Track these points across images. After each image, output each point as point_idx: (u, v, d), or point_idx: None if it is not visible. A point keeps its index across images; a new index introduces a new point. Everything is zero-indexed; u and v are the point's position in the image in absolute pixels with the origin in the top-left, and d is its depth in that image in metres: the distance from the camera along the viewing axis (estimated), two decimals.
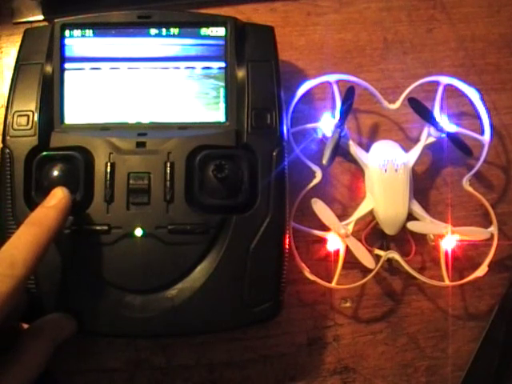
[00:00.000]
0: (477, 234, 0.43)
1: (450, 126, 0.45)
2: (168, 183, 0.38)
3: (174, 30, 0.42)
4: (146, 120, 0.41)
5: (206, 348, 0.43)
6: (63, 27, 0.41)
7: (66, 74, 0.41)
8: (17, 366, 0.33)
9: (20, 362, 0.34)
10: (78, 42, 0.42)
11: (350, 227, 0.43)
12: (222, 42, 0.42)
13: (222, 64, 0.41)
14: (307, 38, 0.49)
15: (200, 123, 0.41)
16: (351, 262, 0.43)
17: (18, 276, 0.31)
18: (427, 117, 0.44)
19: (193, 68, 0.42)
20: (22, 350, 0.34)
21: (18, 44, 0.42)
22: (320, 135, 0.45)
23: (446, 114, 0.45)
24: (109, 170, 0.38)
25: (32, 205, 0.37)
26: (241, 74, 0.41)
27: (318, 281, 0.42)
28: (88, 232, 0.38)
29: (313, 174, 0.44)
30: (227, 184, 0.38)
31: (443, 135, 0.44)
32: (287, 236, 0.40)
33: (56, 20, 0.42)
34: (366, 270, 0.42)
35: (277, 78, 0.41)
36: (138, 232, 0.38)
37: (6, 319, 0.31)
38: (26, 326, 0.37)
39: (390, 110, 0.46)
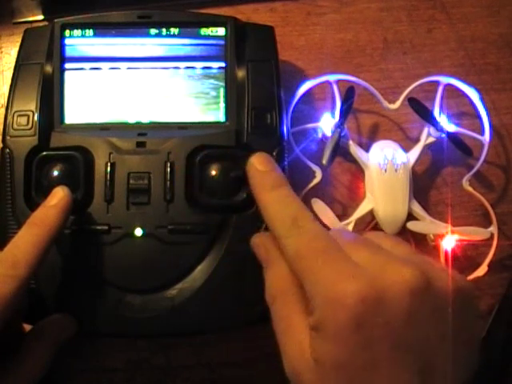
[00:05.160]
0: (477, 233, 0.43)
1: (449, 126, 0.45)
2: (168, 183, 0.38)
3: (174, 30, 0.42)
4: (145, 120, 0.41)
5: (206, 348, 0.43)
6: (63, 27, 0.41)
7: (66, 74, 0.41)
8: (21, 369, 0.34)
9: (24, 364, 0.34)
10: (78, 42, 0.42)
11: (350, 227, 0.43)
12: (222, 42, 0.42)
13: (222, 64, 0.42)
14: (307, 38, 0.49)
15: (200, 123, 0.41)
16: None
17: (20, 276, 0.31)
18: (427, 117, 0.44)
19: (193, 68, 0.42)
20: (25, 352, 0.34)
21: (18, 44, 0.42)
22: (320, 135, 0.45)
23: (445, 114, 0.45)
24: (109, 169, 0.38)
25: (32, 205, 0.37)
26: (241, 73, 0.41)
27: None
28: (88, 232, 0.38)
29: (313, 174, 0.43)
30: (227, 184, 0.38)
31: (443, 135, 0.44)
32: None
33: (56, 20, 0.42)
34: None
35: (277, 78, 0.41)
36: (138, 232, 0.38)
37: (9, 320, 0.31)
38: (26, 326, 0.37)
39: (390, 110, 0.46)
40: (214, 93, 0.41)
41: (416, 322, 0.26)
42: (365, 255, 0.28)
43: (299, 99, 0.45)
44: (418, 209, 0.43)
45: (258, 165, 0.34)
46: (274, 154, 0.39)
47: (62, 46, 0.41)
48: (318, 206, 0.42)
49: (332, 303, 0.26)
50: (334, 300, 0.26)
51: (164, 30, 0.42)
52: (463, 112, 0.48)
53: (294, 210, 0.31)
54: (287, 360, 0.29)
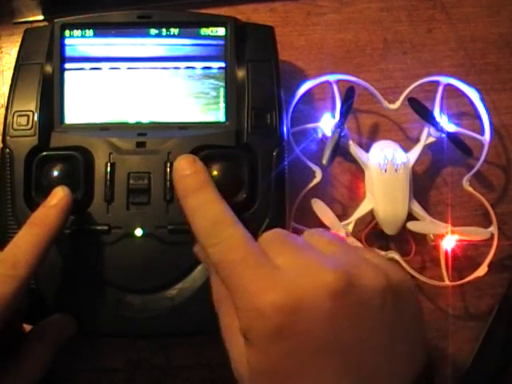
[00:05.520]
0: (477, 234, 0.43)
1: (449, 126, 0.45)
2: (168, 183, 0.38)
3: (174, 30, 0.42)
4: (145, 120, 0.41)
5: (206, 348, 0.43)
6: (63, 27, 0.41)
7: (66, 74, 0.41)
8: (21, 369, 0.34)
9: (24, 364, 0.34)
10: (78, 42, 0.42)
11: (350, 227, 0.43)
12: (221, 42, 0.42)
13: (222, 64, 0.41)
14: (307, 38, 0.49)
15: (200, 123, 0.41)
16: None
17: (20, 276, 0.31)
18: (427, 117, 0.44)
19: (193, 68, 0.42)
20: (25, 352, 0.34)
21: (18, 44, 0.42)
22: (320, 135, 0.45)
23: (446, 114, 0.45)
24: (109, 169, 0.38)
25: (32, 205, 0.37)
26: (241, 74, 0.41)
27: None
28: (88, 232, 0.38)
29: (313, 174, 0.44)
30: (227, 184, 0.38)
31: (443, 135, 0.44)
32: None
33: (56, 20, 0.42)
34: None
35: (277, 78, 0.41)
36: (138, 232, 0.38)
37: (9, 320, 0.31)
38: (27, 326, 0.37)
39: (390, 110, 0.46)
40: (214, 93, 0.41)
41: (340, 325, 0.25)
42: (287, 259, 0.27)
43: (299, 99, 0.45)
44: (418, 209, 0.43)
45: (180, 169, 0.32)
46: (274, 154, 0.39)
47: (62, 46, 0.41)
48: (318, 205, 0.42)
49: (252, 314, 0.26)
50: (253, 311, 0.26)
51: (164, 30, 0.42)
52: (463, 112, 0.48)
53: (213, 215, 0.30)
54: (232, 364, 0.29)
